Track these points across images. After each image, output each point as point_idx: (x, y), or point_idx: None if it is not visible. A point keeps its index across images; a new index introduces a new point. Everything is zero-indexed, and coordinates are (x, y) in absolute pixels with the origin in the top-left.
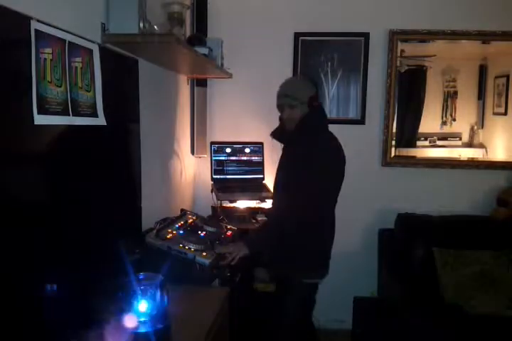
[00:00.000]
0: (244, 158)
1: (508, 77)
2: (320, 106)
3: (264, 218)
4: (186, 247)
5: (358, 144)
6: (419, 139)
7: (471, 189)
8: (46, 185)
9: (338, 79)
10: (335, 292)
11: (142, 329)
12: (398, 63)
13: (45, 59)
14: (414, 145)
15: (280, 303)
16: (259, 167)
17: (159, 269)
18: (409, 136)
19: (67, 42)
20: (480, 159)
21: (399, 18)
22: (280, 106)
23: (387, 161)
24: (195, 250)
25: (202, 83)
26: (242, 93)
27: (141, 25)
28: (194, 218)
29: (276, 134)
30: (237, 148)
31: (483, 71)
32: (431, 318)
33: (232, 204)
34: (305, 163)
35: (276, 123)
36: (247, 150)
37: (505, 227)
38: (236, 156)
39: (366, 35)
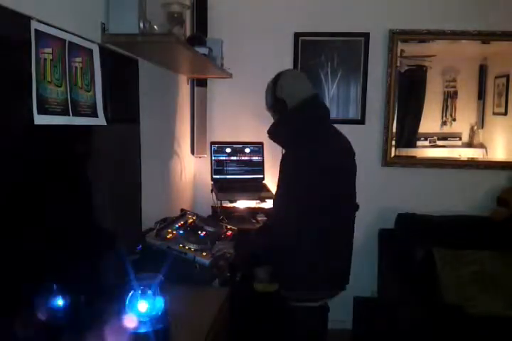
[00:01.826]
0: (244, 158)
1: (508, 77)
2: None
3: (264, 218)
4: (186, 247)
5: (358, 144)
6: (419, 139)
7: (471, 189)
8: (46, 184)
9: (338, 79)
10: None
11: (142, 330)
12: (398, 63)
13: (45, 59)
14: (414, 145)
15: (282, 329)
16: (259, 167)
17: (159, 269)
18: (409, 136)
19: (67, 42)
20: (480, 159)
21: (399, 18)
22: None
23: (387, 161)
24: (195, 250)
25: (202, 83)
26: (242, 93)
27: (141, 25)
28: (194, 218)
29: None
30: (237, 148)
31: (483, 71)
32: (431, 318)
33: (232, 204)
34: (281, 173)
35: None
36: (247, 150)
37: (505, 227)
38: (236, 156)
39: (366, 35)
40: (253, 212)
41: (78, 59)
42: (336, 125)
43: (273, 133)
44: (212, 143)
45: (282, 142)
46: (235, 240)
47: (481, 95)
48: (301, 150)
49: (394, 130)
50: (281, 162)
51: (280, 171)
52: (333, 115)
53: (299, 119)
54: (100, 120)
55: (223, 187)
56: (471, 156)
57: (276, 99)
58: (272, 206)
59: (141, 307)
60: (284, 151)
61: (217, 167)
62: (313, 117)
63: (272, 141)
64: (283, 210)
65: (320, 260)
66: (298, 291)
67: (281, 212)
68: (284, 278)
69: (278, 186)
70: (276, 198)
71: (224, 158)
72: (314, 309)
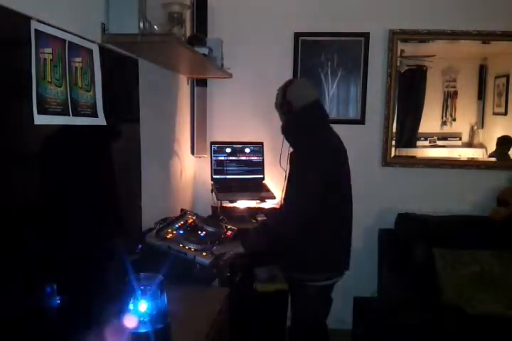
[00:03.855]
0: (244, 158)
1: (508, 77)
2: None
3: (264, 218)
4: (186, 247)
5: (358, 144)
6: (419, 139)
7: (471, 189)
8: (46, 185)
9: (338, 79)
10: (335, 292)
11: (142, 329)
12: (398, 63)
13: (45, 59)
14: (414, 145)
15: (292, 303)
16: (259, 167)
17: (159, 269)
18: (409, 136)
19: (67, 42)
20: (480, 159)
21: (399, 18)
22: None
23: (387, 161)
24: (195, 250)
25: (202, 83)
26: (242, 93)
27: (141, 25)
28: (194, 218)
29: None
30: (237, 148)
31: (483, 71)
32: (431, 318)
33: (232, 204)
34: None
35: (275, 123)
36: (247, 150)
37: (505, 227)
38: (236, 156)
39: (366, 35)
40: (253, 212)
41: (78, 59)
42: (336, 125)
43: (285, 130)
44: (212, 143)
45: (289, 137)
46: (242, 240)
47: (481, 95)
48: (310, 145)
49: (394, 130)
50: (291, 157)
51: (292, 167)
52: (333, 115)
53: (303, 119)
54: (100, 120)
55: (223, 187)
56: (471, 156)
57: (285, 100)
58: (283, 201)
59: (141, 307)
60: (292, 150)
61: (217, 167)
62: (315, 117)
63: (272, 142)
64: (299, 202)
65: (334, 246)
66: (312, 274)
67: (298, 204)
68: (300, 264)
69: (291, 181)
70: (290, 192)
71: (224, 158)
72: (328, 286)
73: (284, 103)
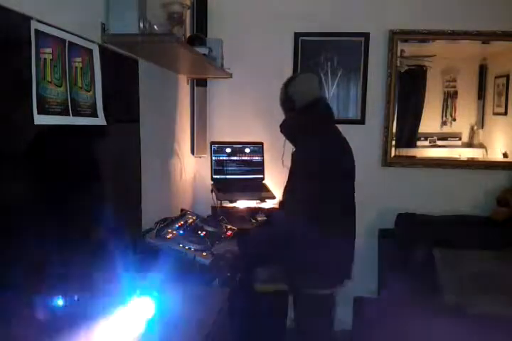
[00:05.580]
0: (245, 158)
1: (508, 77)
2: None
3: (264, 218)
4: (186, 247)
5: (358, 144)
6: (419, 139)
7: (471, 189)
8: (46, 184)
9: (338, 79)
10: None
11: (142, 330)
12: (398, 63)
13: (45, 59)
14: (414, 145)
15: (295, 313)
16: (259, 167)
17: (159, 269)
18: (409, 136)
19: (67, 42)
20: (480, 159)
21: (399, 18)
22: None
23: (387, 161)
24: (195, 250)
25: (202, 83)
26: (242, 93)
27: (141, 25)
28: (194, 218)
29: None
30: (237, 148)
31: (483, 71)
32: (431, 318)
33: (232, 204)
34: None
35: (275, 123)
36: (247, 150)
37: (505, 227)
38: (236, 156)
39: (366, 35)
40: (253, 212)
41: (78, 59)
42: (335, 125)
43: (283, 128)
44: (212, 143)
45: (289, 136)
46: (238, 240)
47: (481, 95)
48: (308, 144)
49: (394, 130)
50: (292, 157)
51: (293, 166)
52: None
53: (305, 117)
54: (100, 120)
55: (223, 187)
56: (471, 156)
57: (287, 97)
58: (281, 200)
59: (141, 307)
60: (293, 149)
61: (217, 167)
62: (316, 117)
63: (272, 142)
64: (299, 201)
65: (333, 248)
66: (311, 278)
67: (297, 203)
68: (298, 265)
69: (290, 180)
70: (289, 191)
71: (224, 158)
72: (327, 296)
73: (287, 99)
